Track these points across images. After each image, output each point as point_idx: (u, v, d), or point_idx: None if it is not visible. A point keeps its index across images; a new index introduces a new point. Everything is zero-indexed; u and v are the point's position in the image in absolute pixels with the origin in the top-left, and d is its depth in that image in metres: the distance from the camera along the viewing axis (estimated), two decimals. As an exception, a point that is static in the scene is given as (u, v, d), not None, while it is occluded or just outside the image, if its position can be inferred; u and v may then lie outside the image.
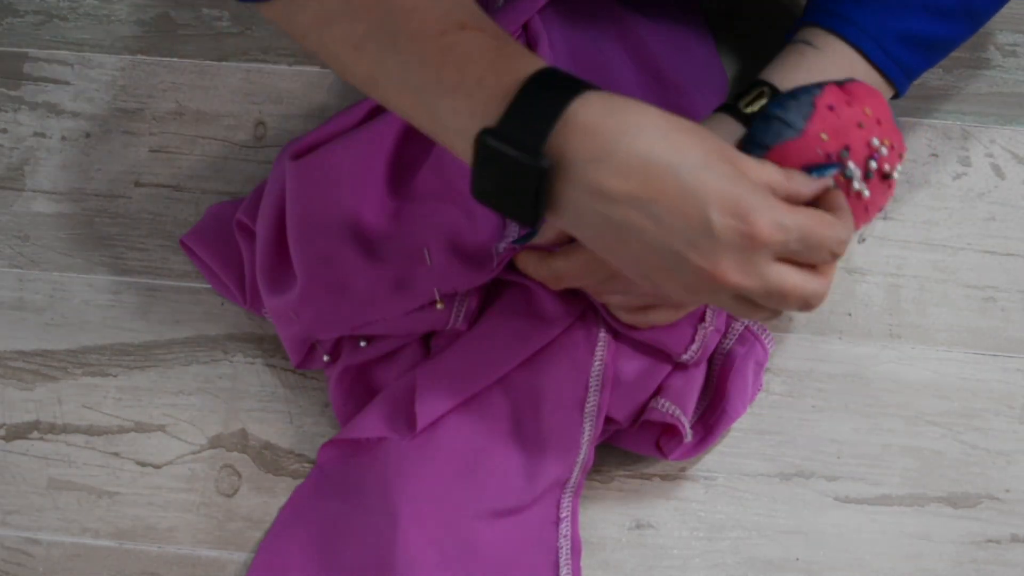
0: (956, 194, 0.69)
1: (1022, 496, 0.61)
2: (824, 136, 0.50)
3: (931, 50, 0.58)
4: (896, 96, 0.59)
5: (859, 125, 0.50)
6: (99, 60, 0.73)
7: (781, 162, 0.49)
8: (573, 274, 0.53)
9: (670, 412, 0.58)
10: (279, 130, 0.70)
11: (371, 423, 0.59)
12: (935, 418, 0.63)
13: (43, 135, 0.71)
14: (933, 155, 0.70)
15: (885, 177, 0.52)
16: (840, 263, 0.66)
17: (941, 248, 0.67)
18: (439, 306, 0.58)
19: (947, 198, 0.69)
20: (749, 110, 0.54)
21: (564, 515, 0.58)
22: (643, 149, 0.41)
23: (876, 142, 0.51)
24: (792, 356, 0.64)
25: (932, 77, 0.72)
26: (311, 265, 0.59)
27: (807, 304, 0.45)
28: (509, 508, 0.58)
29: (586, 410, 0.58)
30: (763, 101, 0.55)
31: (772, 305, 0.45)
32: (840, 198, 0.48)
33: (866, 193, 0.51)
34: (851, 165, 0.50)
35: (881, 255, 0.67)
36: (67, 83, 0.72)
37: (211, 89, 0.72)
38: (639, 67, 0.68)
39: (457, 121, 0.44)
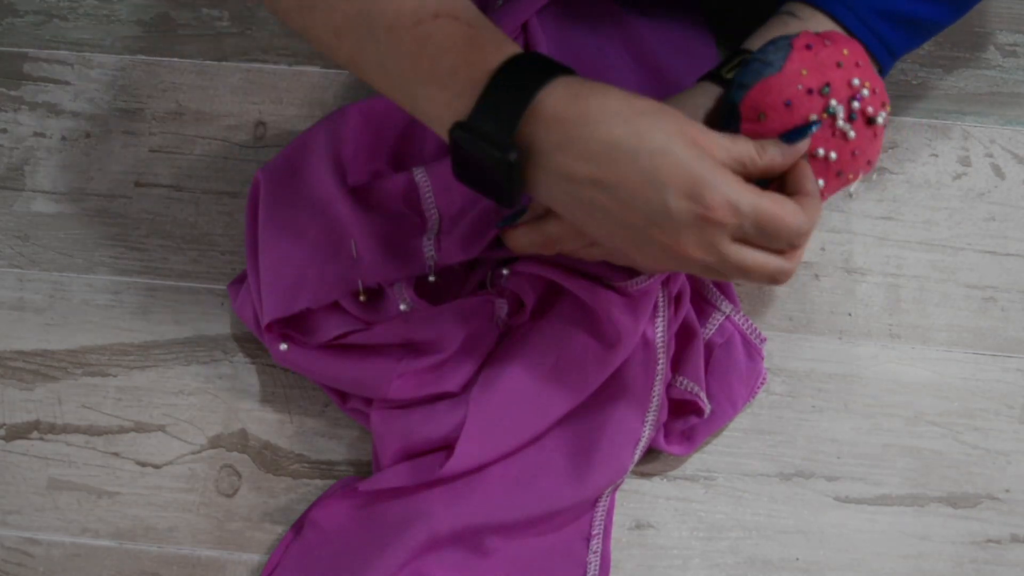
0: (956, 194, 0.69)
1: (1022, 496, 0.61)
2: (804, 72, 0.49)
3: (913, 29, 0.58)
4: (880, 74, 0.58)
5: (838, 64, 0.50)
6: (99, 60, 0.73)
7: (762, 99, 0.49)
8: (566, 236, 0.53)
9: (689, 389, 0.59)
10: (279, 130, 0.70)
11: (404, 472, 0.58)
12: (935, 418, 0.63)
13: (43, 135, 0.71)
14: (933, 155, 0.70)
15: (870, 122, 0.51)
16: (840, 263, 0.66)
17: (941, 248, 0.67)
18: (361, 298, 0.58)
19: (947, 198, 0.69)
20: (730, 75, 0.54)
21: (596, 532, 0.58)
22: (604, 136, 0.43)
23: (857, 82, 0.51)
24: (792, 356, 0.64)
25: (933, 77, 0.72)
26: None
27: (773, 279, 0.47)
28: (548, 524, 0.58)
29: (639, 446, 0.59)
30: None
31: (738, 278, 0.47)
32: (810, 181, 0.49)
33: (851, 134, 0.51)
34: (833, 102, 0.50)
35: (881, 255, 0.67)
36: (67, 83, 0.72)
37: (211, 89, 0.72)
38: (639, 68, 0.68)
39: (433, 109, 0.46)
